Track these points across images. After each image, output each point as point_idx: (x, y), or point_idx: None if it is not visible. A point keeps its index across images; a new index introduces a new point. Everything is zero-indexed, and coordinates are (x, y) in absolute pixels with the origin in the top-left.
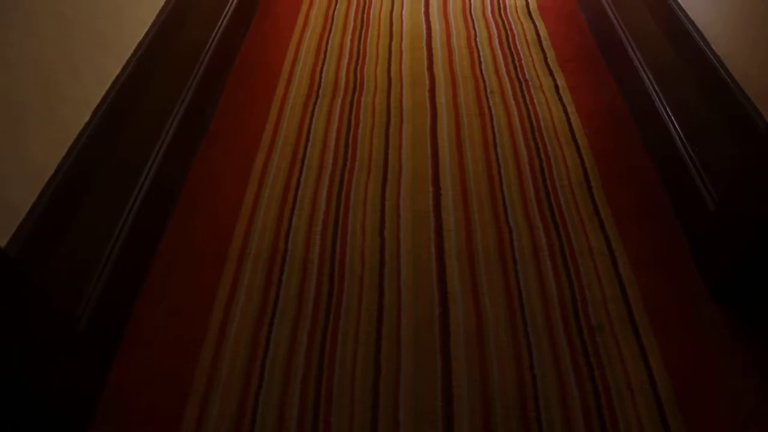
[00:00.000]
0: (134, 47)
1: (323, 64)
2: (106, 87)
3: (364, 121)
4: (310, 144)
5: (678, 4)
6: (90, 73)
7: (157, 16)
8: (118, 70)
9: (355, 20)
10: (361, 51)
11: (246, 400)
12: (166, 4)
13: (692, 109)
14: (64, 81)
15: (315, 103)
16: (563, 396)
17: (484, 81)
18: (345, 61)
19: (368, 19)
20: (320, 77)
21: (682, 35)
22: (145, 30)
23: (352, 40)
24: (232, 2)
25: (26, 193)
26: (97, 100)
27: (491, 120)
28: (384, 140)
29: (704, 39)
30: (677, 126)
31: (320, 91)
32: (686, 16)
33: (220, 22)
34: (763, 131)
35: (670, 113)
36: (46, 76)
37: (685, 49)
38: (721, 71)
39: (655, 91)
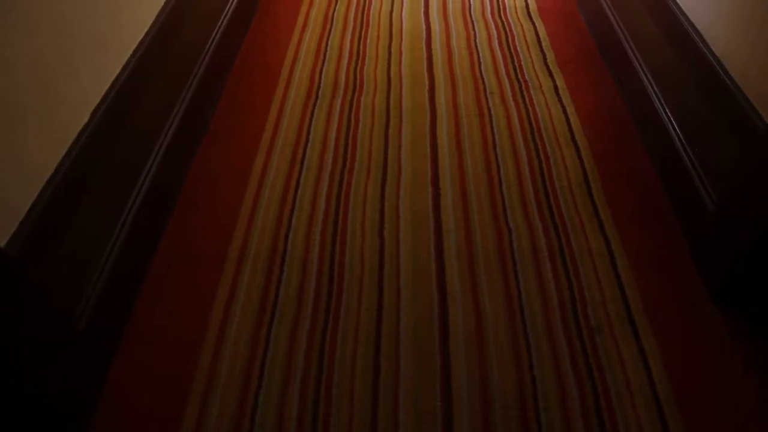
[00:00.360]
0: (134, 47)
1: (323, 64)
2: (106, 87)
3: (364, 121)
4: (309, 144)
5: (677, 5)
6: (90, 73)
7: (157, 17)
8: (117, 70)
9: (354, 21)
10: (361, 51)
11: (246, 400)
12: (165, 4)
13: (692, 110)
14: (64, 81)
15: (315, 104)
16: (563, 396)
17: (483, 82)
18: (345, 61)
19: (368, 19)
20: (320, 78)
21: (681, 36)
22: (145, 30)
23: (351, 41)
24: (232, 3)
25: (26, 192)
26: (97, 100)
27: (491, 121)
28: (383, 140)
29: (703, 40)
30: (677, 127)
31: (320, 92)
32: (685, 17)
33: (220, 23)
34: (762, 132)
35: (669, 114)
36: (45, 76)
37: (684, 50)
38: (721, 72)
39: (655, 92)
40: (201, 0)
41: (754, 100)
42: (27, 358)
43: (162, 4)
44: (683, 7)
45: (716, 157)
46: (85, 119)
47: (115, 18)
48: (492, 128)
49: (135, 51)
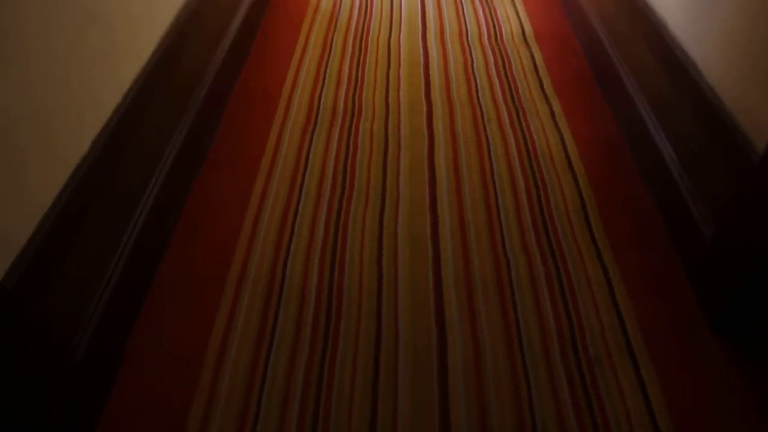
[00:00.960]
0: (134, 78)
1: (322, 90)
2: (107, 117)
3: (362, 147)
4: (308, 171)
5: (672, 34)
6: (89, 103)
7: (158, 46)
8: (118, 100)
9: (353, 47)
10: (360, 77)
11: (244, 427)
12: (166, 34)
13: (687, 138)
14: (64, 112)
15: (313, 130)
16: (562, 427)
17: (481, 108)
18: (343, 87)
19: (366, 45)
20: (319, 103)
21: (676, 64)
22: (143, 63)
23: (350, 67)
24: (232, 28)
25: (24, 224)
26: (97, 130)
27: (488, 147)
28: (382, 167)
29: (699, 69)
30: (673, 154)
31: (319, 118)
32: (680, 45)
33: (219, 50)
34: (756, 161)
35: (665, 141)
36: (43, 115)
37: (679, 77)
38: (716, 101)
39: (651, 120)
40: (201, 26)
41: (748, 129)
42: (24, 392)
43: (162, 33)
44: (678, 36)
45: (712, 185)
46: (85, 149)
47: (112, 52)
48: (490, 155)
49: (135, 81)
